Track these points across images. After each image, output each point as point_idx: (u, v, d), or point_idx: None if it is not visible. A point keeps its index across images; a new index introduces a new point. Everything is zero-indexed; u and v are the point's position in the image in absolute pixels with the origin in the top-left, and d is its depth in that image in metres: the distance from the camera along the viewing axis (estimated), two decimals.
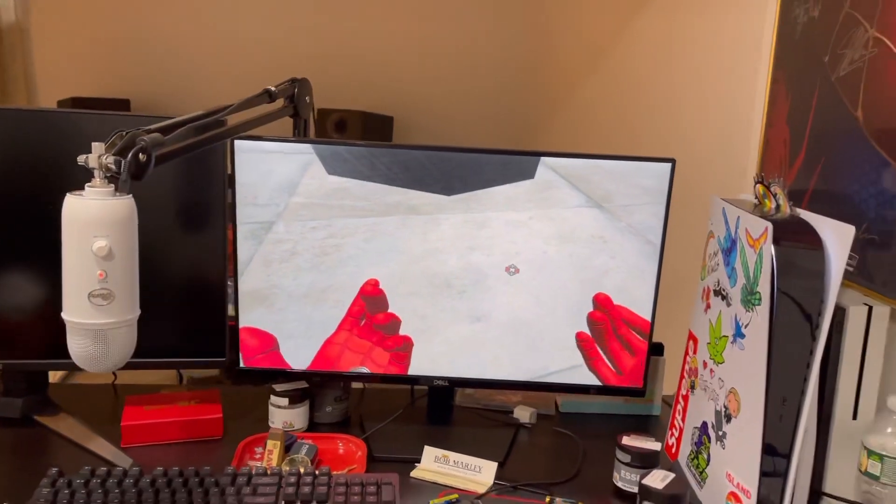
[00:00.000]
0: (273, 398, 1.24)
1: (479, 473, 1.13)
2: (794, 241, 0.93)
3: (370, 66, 3.36)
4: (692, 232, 1.63)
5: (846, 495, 1.01)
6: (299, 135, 1.29)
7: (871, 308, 0.98)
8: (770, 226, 0.92)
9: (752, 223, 0.97)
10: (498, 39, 3.29)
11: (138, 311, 0.88)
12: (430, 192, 1.19)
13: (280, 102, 1.24)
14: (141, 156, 0.87)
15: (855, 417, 1.01)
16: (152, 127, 0.91)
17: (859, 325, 0.98)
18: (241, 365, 1.25)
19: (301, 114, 1.27)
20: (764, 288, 0.93)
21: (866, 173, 1.05)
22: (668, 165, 1.16)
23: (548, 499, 1.07)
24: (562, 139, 2.70)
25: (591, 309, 1.23)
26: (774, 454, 0.96)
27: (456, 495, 1.07)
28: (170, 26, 3.23)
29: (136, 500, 0.98)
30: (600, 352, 1.24)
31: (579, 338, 1.24)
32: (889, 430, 0.95)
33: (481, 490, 1.10)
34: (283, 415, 1.24)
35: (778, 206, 1.03)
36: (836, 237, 0.92)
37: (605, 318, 1.23)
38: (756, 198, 1.08)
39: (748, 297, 0.97)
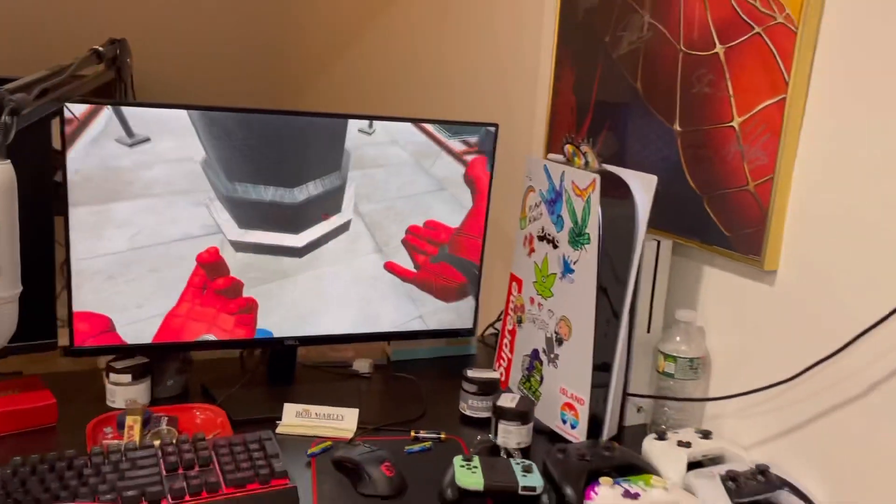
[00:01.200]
0: (113, 376, 1.19)
1: (342, 421, 1.20)
2: (615, 189, 1.13)
3: (101, 25, 3.09)
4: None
5: (644, 393, 1.25)
6: (121, 98, 1.22)
7: (659, 242, 1.22)
8: (598, 177, 1.11)
9: (578, 176, 1.15)
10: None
11: (20, 287, 0.81)
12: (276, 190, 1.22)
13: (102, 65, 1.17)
14: (7, 118, 0.80)
15: (649, 331, 1.25)
16: (12, 86, 0.84)
17: (650, 256, 1.22)
18: (73, 346, 1.17)
19: (123, 77, 1.20)
20: (592, 229, 1.12)
21: (647, 135, 1.30)
22: (492, 130, 1.31)
23: (413, 433, 1.18)
24: (328, 103, 2.74)
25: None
26: (602, 366, 1.16)
27: (329, 442, 1.14)
28: None
29: (1, 493, 0.91)
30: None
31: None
32: (678, 338, 1.21)
33: (348, 436, 1.17)
34: (126, 392, 1.19)
35: (587, 163, 1.23)
36: (642, 186, 1.14)
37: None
38: (565, 156, 1.27)
39: (576, 238, 1.16)
